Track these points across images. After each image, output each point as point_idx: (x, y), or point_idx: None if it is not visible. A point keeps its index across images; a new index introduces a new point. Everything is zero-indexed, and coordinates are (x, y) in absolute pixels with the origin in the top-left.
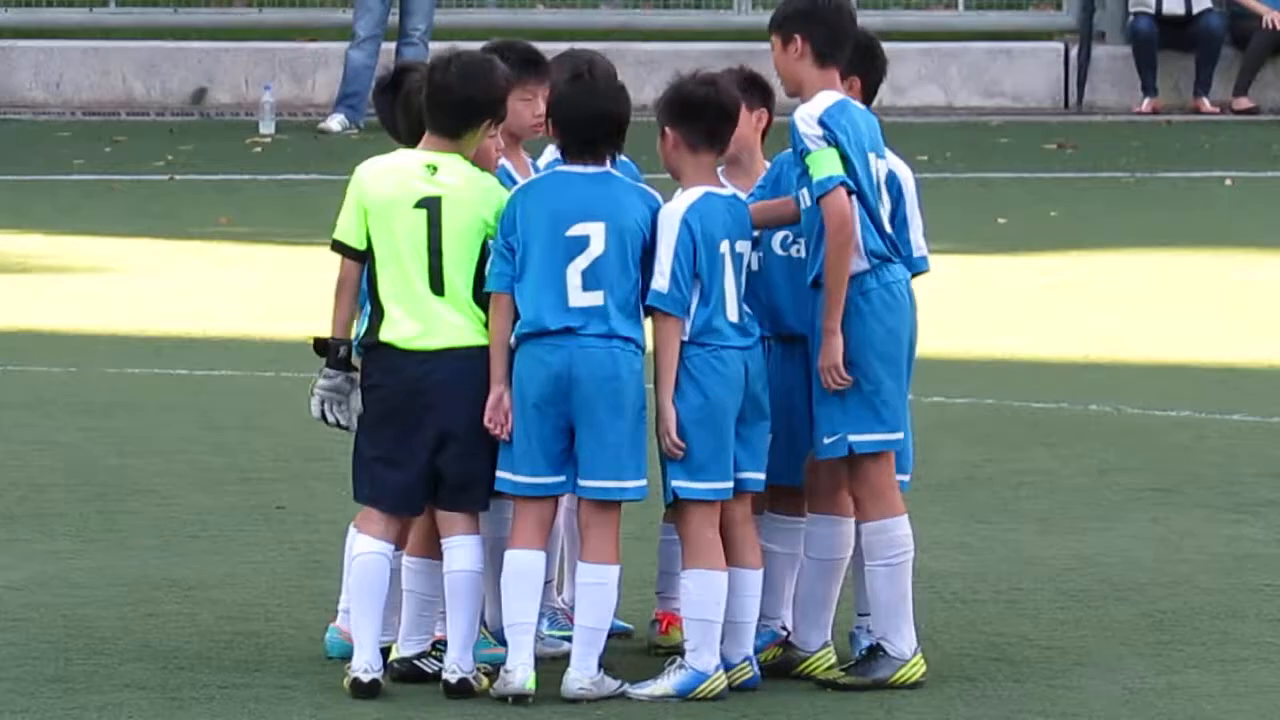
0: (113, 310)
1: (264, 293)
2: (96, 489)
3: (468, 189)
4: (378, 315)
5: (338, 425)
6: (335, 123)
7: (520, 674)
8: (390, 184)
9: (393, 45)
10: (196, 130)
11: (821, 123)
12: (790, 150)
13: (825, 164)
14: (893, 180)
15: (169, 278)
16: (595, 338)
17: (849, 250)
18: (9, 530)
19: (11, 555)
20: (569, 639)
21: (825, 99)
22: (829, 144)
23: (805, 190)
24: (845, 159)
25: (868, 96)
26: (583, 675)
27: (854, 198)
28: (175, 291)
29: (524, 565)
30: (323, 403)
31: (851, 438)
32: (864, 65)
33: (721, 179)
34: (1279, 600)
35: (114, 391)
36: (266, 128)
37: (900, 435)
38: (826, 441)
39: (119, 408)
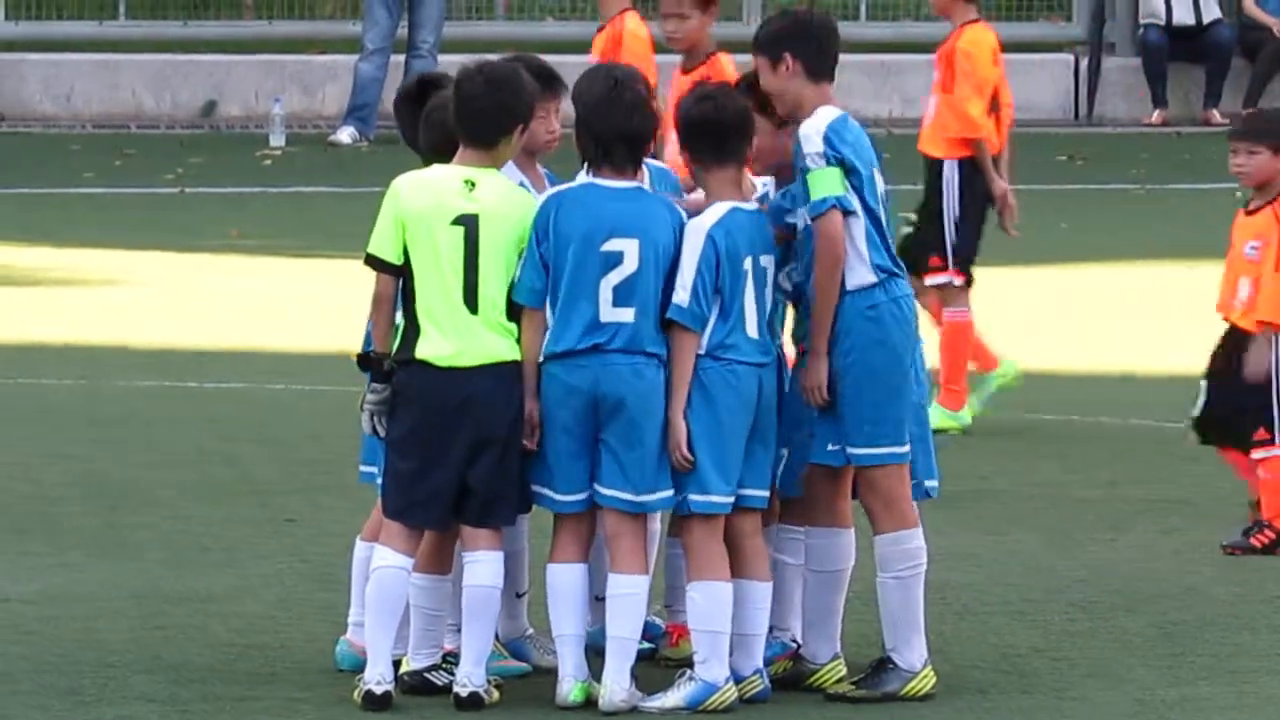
0: (123, 323)
1: (274, 305)
2: (107, 502)
3: (505, 205)
4: (413, 331)
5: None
6: (345, 135)
7: (565, 685)
8: (427, 198)
9: (402, 58)
10: (206, 143)
11: (826, 139)
12: None
13: (823, 184)
14: None
15: (179, 290)
16: (620, 354)
17: (838, 273)
18: (20, 543)
19: (23, 568)
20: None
21: (828, 114)
22: (830, 162)
23: (803, 210)
24: (851, 172)
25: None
26: (620, 687)
27: (850, 217)
28: (185, 304)
29: (563, 579)
30: (373, 416)
31: (851, 450)
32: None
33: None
34: None
35: (124, 404)
36: (276, 140)
37: (905, 449)
38: (830, 448)
39: (129, 420)
